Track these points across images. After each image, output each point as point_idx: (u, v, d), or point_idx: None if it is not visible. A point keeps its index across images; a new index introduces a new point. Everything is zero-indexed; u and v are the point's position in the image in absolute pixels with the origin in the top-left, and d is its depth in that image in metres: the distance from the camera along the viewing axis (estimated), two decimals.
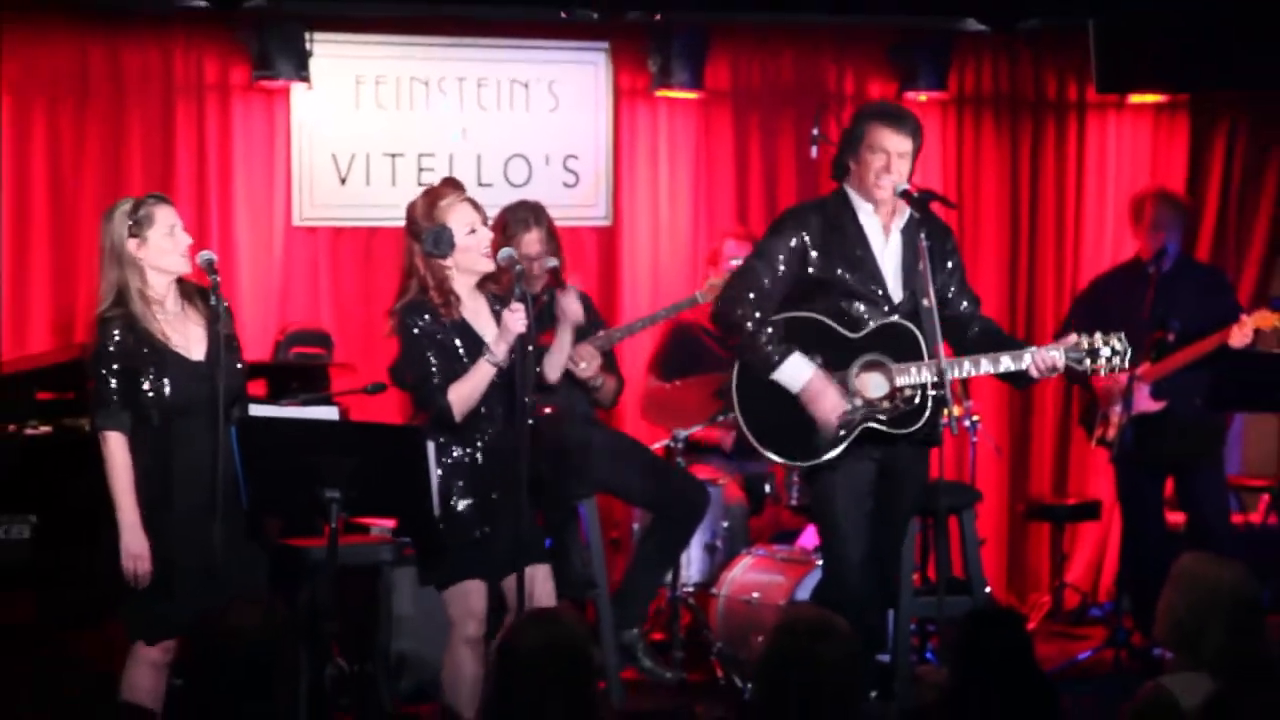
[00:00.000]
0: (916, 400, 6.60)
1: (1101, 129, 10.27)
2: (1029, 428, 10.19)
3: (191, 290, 6.34)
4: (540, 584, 6.43)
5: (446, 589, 6.46)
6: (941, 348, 6.49)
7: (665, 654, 8.40)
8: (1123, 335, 6.72)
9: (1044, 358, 6.64)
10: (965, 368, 6.66)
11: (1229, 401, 8.64)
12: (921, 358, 6.56)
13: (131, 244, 6.20)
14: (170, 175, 8.91)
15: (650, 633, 8.63)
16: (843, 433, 6.60)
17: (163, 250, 6.24)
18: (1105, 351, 6.66)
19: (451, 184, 6.65)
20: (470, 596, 6.45)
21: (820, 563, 7.28)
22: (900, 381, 6.59)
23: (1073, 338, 6.73)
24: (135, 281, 6.21)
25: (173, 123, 9.00)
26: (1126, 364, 6.77)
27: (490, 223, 6.68)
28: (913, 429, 6.63)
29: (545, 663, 4.95)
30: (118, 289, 6.22)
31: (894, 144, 6.61)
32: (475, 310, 6.48)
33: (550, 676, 4.93)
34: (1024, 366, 6.63)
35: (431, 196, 6.51)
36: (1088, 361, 6.66)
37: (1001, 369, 6.67)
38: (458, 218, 6.42)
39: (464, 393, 6.34)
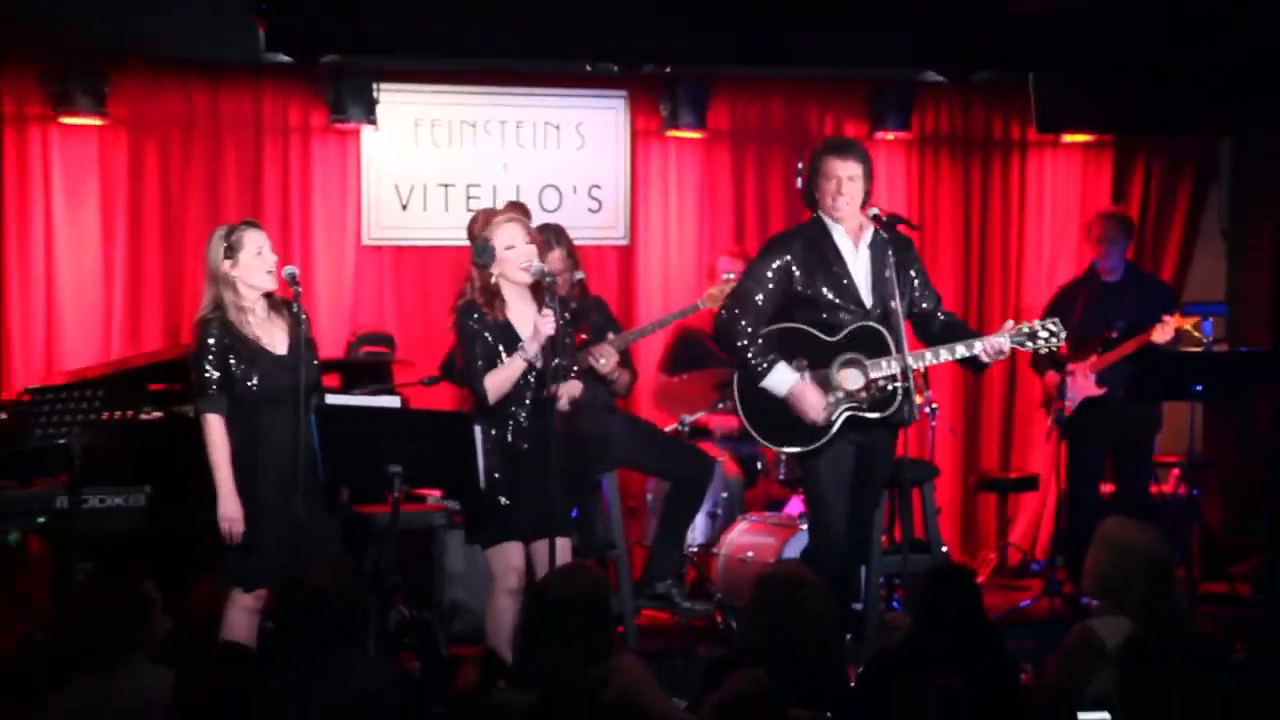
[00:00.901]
0: (888, 389, 6.62)
1: (1040, 163, 10.25)
2: (979, 414, 10.18)
3: (278, 301, 6.40)
4: (561, 553, 6.43)
5: (489, 548, 6.50)
6: (905, 344, 6.53)
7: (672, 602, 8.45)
8: (1057, 319, 6.76)
9: (992, 344, 6.66)
10: (928, 358, 6.68)
11: (1148, 393, 8.67)
12: (890, 354, 6.58)
13: (226, 264, 6.27)
14: (259, 202, 8.94)
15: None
16: (835, 418, 6.63)
17: (252, 268, 6.30)
18: (1043, 334, 6.68)
19: (512, 207, 6.69)
20: (509, 555, 6.48)
21: (805, 528, 7.28)
22: (873, 374, 6.60)
23: (1011, 323, 6.77)
24: (229, 295, 6.29)
25: (262, 158, 9.04)
26: (1061, 341, 6.77)
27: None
28: (887, 414, 6.63)
29: (570, 609, 4.96)
30: (215, 300, 6.29)
31: (842, 170, 6.63)
32: (521, 312, 6.48)
33: (574, 620, 4.95)
34: (976, 353, 6.66)
35: (487, 215, 6.55)
36: (1029, 343, 6.69)
37: (958, 356, 6.68)
38: (501, 235, 6.43)
39: (498, 380, 6.37)
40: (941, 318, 6.89)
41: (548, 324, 6.28)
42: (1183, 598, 6.69)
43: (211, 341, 6.26)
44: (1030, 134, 9.96)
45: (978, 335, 6.82)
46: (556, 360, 6.36)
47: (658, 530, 7.99)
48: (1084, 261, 9.15)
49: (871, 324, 6.64)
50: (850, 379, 6.63)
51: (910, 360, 6.56)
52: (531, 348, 6.33)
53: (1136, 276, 8.97)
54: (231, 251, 6.29)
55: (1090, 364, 8.50)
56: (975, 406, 10.15)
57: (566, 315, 6.57)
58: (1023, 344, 6.69)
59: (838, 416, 6.62)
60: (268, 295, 6.38)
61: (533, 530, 6.43)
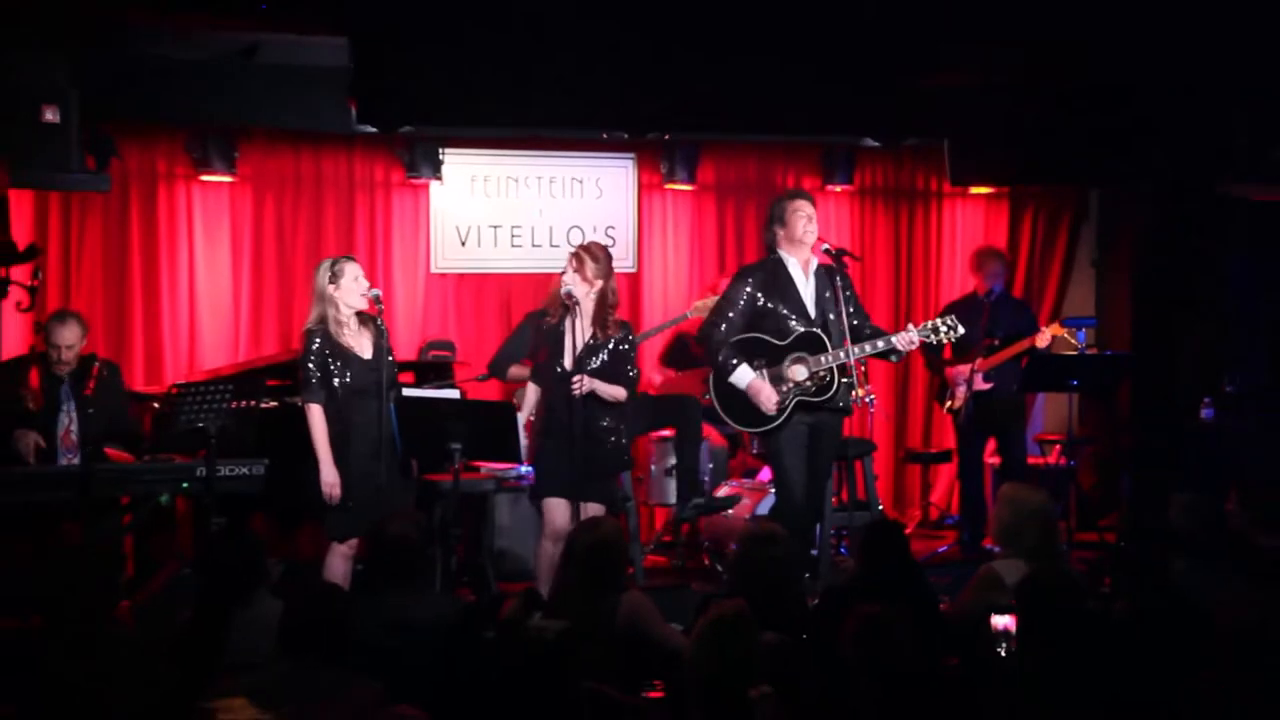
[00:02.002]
0: (828, 379, 6.66)
1: (952, 210, 10.21)
2: (907, 404, 10.14)
3: (365, 316, 6.40)
4: (589, 515, 6.42)
5: (538, 503, 6.56)
6: (846, 343, 6.62)
7: (673, 550, 8.40)
8: (953, 315, 6.85)
9: (903, 337, 6.73)
10: (854, 352, 6.71)
11: (1035, 386, 8.72)
12: (827, 351, 6.64)
13: (330, 287, 6.28)
14: (352, 240, 8.91)
15: (662, 535, 8.64)
16: (786, 404, 6.64)
17: (350, 291, 6.31)
18: (943, 328, 6.77)
19: (578, 247, 6.78)
20: (548, 508, 6.48)
21: (773, 491, 7.26)
22: (815, 368, 6.67)
23: (920, 322, 6.85)
24: (331, 311, 6.29)
25: (354, 206, 9.00)
26: (957, 333, 6.81)
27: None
28: (827, 398, 6.68)
29: (592, 553, 4.93)
30: (320, 315, 6.28)
31: (809, 209, 6.79)
32: (570, 324, 6.51)
33: (595, 562, 4.92)
34: (894, 344, 6.71)
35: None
36: (932, 336, 6.77)
37: (880, 350, 6.73)
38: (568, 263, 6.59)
39: (521, 379, 6.63)
40: (869, 329, 6.92)
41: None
42: (1063, 544, 6.67)
43: (315, 348, 6.27)
44: (945, 187, 9.93)
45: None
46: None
47: (677, 464, 7.89)
48: (976, 285, 9.12)
49: (814, 330, 6.69)
50: (798, 372, 6.68)
51: (843, 355, 6.61)
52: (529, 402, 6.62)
53: (1007, 298, 9.03)
54: (335, 277, 6.30)
55: (978, 364, 8.55)
56: (904, 398, 10.13)
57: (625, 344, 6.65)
58: (928, 336, 6.78)
59: (790, 402, 6.64)
60: (358, 312, 6.38)
61: (570, 491, 6.42)
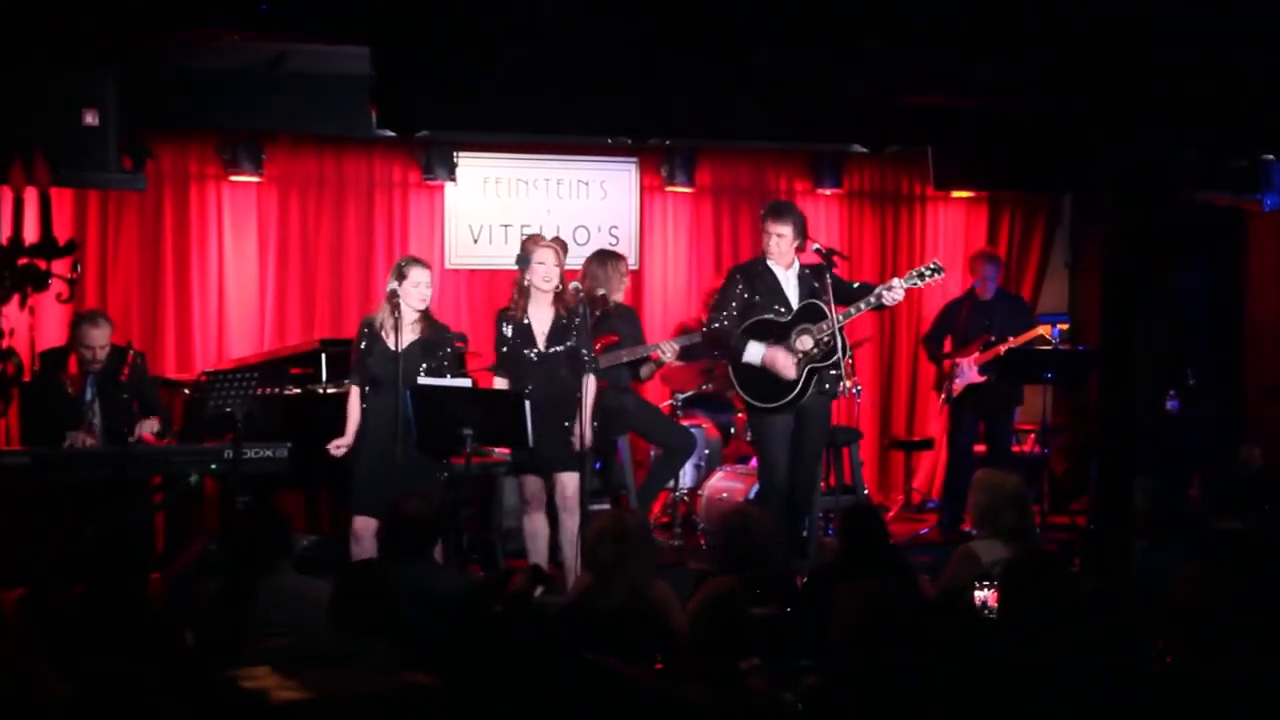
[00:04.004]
0: (830, 344, 6.87)
1: (935, 212, 10.24)
2: (891, 394, 10.16)
3: (428, 314, 6.55)
4: (569, 484, 6.64)
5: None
6: (834, 316, 6.81)
7: (670, 530, 8.43)
8: (937, 260, 7.07)
9: (889, 294, 6.93)
10: (851, 311, 6.95)
11: (1015, 378, 8.77)
12: (826, 319, 6.83)
13: (395, 283, 6.37)
14: (371, 238, 8.92)
15: (660, 516, 8.66)
16: (802, 376, 6.87)
17: (409, 293, 6.41)
18: (927, 272, 7.03)
19: (553, 240, 6.84)
20: (529, 484, 6.72)
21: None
22: (819, 335, 6.85)
23: (905, 272, 7.15)
24: (388, 305, 6.40)
25: (373, 205, 9.01)
26: (940, 276, 7.04)
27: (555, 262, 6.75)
28: (832, 360, 6.87)
29: (616, 543, 4.94)
30: (388, 305, 6.44)
31: (773, 229, 6.98)
32: (540, 315, 6.62)
33: (618, 551, 4.92)
34: (880, 294, 6.91)
35: (534, 240, 6.84)
36: (919, 281, 6.99)
37: (871, 306, 6.95)
38: (537, 254, 6.62)
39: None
40: (856, 291, 7.10)
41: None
42: (1036, 525, 6.70)
43: (361, 334, 6.49)
44: (929, 191, 9.95)
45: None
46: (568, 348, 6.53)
47: (645, 480, 7.97)
48: (966, 285, 9.22)
49: (813, 301, 6.90)
50: (804, 343, 6.89)
51: (840, 319, 6.83)
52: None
53: (1005, 296, 9.05)
54: (399, 278, 6.43)
55: (974, 359, 8.59)
56: (888, 389, 10.14)
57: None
58: (914, 282, 7.04)
59: (803, 373, 6.83)
60: (422, 313, 6.52)
61: (553, 465, 6.54)
